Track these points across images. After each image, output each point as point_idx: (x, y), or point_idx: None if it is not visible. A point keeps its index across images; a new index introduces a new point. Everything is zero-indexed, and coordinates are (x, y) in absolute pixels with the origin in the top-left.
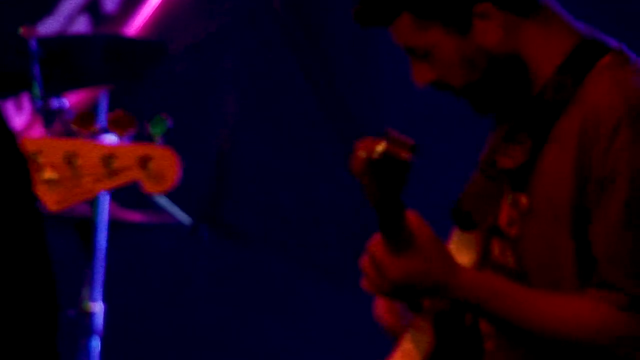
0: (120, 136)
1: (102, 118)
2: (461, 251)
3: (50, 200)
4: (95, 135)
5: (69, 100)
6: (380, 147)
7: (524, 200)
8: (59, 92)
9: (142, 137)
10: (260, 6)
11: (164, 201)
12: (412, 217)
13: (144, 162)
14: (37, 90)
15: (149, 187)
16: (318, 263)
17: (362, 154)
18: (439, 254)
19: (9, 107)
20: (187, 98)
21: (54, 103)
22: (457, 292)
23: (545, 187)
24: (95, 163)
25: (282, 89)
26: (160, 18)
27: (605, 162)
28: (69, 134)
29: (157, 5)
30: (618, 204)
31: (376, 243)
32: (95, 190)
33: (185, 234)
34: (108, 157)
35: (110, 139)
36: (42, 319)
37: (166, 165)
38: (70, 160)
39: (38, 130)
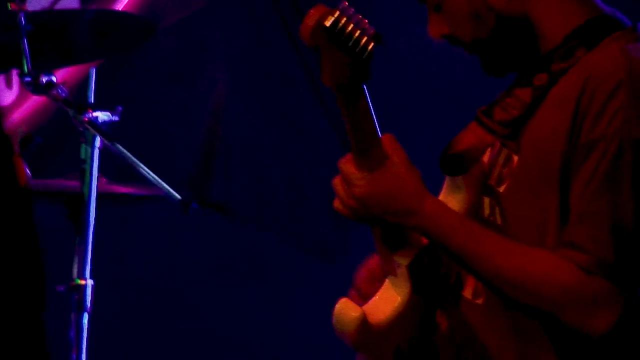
0: None
1: (91, 93)
2: (451, 197)
3: None
4: (86, 110)
5: (57, 76)
6: (331, 18)
7: (514, 157)
8: (48, 68)
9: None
10: None
11: (153, 176)
12: (387, 139)
13: None
14: (25, 66)
15: None
16: (306, 238)
17: (310, 22)
18: (410, 178)
19: None
20: (177, 74)
21: (43, 78)
22: (422, 219)
23: (536, 144)
24: None
25: (271, 64)
26: None
27: (598, 124)
28: (58, 109)
29: None
30: (600, 166)
31: (347, 159)
32: None
33: (174, 209)
34: None
35: (101, 115)
36: (29, 295)
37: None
38: None
39: (26, 106)
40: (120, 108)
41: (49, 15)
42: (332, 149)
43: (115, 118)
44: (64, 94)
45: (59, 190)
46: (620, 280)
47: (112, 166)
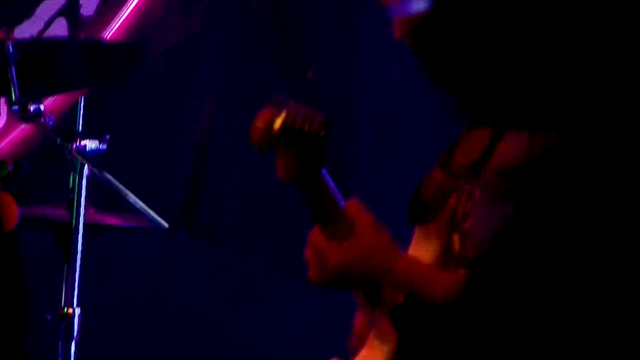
0: None
1: (79, 122)
2: (422, 247)
3: None
4: (74, 139)
5: (46, 104)
6: (280, 120)
7: (477, 192)
8: (37, 96)
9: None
10: (237, 7)
11: (140, 204)
12: (352, 206)
13: None
14: (13, 94)
15: None
16: (293, 263)
17: (260, 125)
18: (379, 240)
19: None
20: (165, 99)
21: (31, 107)
22: (396, 278)
23: (494, 173)
24: None
25: (259, 90)
26: (138, 21)
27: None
28: (46, 137)
29: (134, 9)
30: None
31: (315, 232)
32: None
33: (162, 237)
34: None
35: (89, 144)
36: (11, 323)
37: (5, 210)
38: None
39: (14, 134)
40: (108, 136)
41: (37, 44)
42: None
43: (104, 147)
44: (52, 123)
45: (48, 219)
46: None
47: (100, 195)
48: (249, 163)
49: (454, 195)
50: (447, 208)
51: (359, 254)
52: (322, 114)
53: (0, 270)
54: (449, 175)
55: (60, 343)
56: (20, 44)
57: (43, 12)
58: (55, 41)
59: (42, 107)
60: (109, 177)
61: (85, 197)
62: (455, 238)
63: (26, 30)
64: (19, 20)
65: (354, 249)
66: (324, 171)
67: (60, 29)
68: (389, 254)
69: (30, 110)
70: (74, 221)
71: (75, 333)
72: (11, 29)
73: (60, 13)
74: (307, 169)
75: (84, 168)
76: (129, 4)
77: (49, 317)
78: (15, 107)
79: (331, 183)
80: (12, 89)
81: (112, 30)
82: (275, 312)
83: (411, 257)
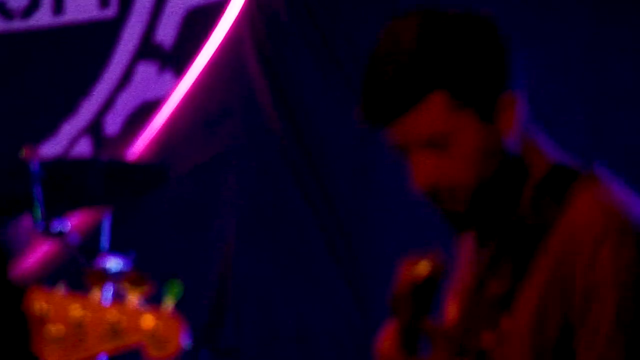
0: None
1: (105, 239)
2: None
3: (53, 357)
4: (97, 260)
5: (70, 222)
6: (425, 270)
7: (507, 322)
8: (60, 214)
9: (147, 267)
10: (259, 130)
11: None
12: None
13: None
14: (38, 212)
15: (152, 351)
16: None
17: (407, 276)
18: None
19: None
20: (189, 220)
21: (56, 225)
22: None
23: (528, 311)
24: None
25: (279, 210)
26: (162, 141)
27: (590, 276)
28: (70, 255)
29: (158, 129)
30: (605, 318)
31: (388, 342)
32: (98, 350)
33: (185, 356)
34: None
35: (113, 262)
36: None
37: (172, 333)
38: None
39: (40, 252)
40: (132, 253)
41: (61, 163)
42: (341, 298)
43: (128, 265)
44: (76, 241)
45: None
46: None
47: None
48: (269, 287)
49: (484, 329)
50: (478, 339)
51: None
52: (443, 257)
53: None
54: (479, 305)
55: None
56: (45, 163)
57: (67, 131)
58: (80, 161)
59: (66, 224)
60: (132, 295)
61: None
62: None
63: (51, 147)
64: (43, 138)
65: None
66: None
67: (84, 147)
68: None
69: (55, 228)
70: None
71: None
72: (36, 147)
73: (84, 131)
74: (425, 309)
75: (108, 286)
76: (154, 124)
77: None
78: (41, 225)
79: None
80: (38, 208)
81: (136, 150)
82: None
83: None
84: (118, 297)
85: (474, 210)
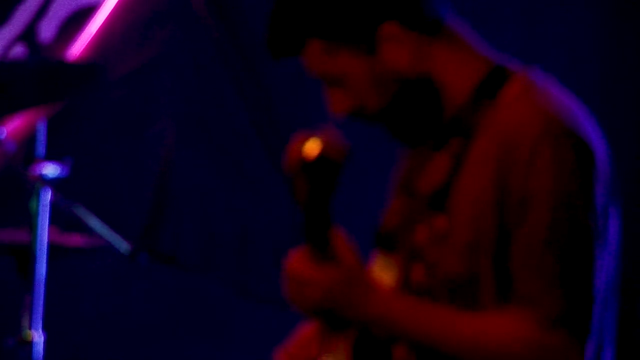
0: None
1: (41, 146)
2: (383, 273)
3: None
4: (33, 167)
5: (6, 129)
6: (316, 149)
7: (441, 223)
8: None
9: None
10: (195, 33)
11: (102, 228)
12: (338, 234)
13: None
14: None
15: None
16: (255, 287)
17: (295, 153)
18: (359, 271)
19: None
20: (126, 125)
21: None
22: (374, 309)
23: (464, 210)
24: None
25: (218, 114)
26: (97, 47)
27: (526, 183)
28: (6, 163)
29: (94, 34)
30: (540, 224)
31: (298, 254)
32: None
33: (124, 261)
34: None
35: (50, 169)
36: None
37: None
38: None
39: None
40: (69, 159)
41: None
42: (277, 196)
43: (65, 171)
44: (12, 148)
45: (8, 244)
46: (577, 330)
47: (62, 217)
48: (209, 188)
49: (417, 225)
50: (408, 237)
51: (340, 278)
52: (346, 141)
53: None
54: (410, 202)
55: None
56: None
57: (1, 38)
58: (10, 63)
59: (1, 132)
60: (71, 201)
61: (48, 220)
62: (415, 266)
63: None
64: None
65: (336, 273)
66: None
67: (19, 54)
68: (365, 285)
69: None
70: (35, 246)
71: (39, 358)
72: None
73: (18, 38)
74: (326, 194)
75: (44, 193)
76: (88, 29)
77: (10, 343)
78: None
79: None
80: None
81: (71, 55)
82: (235, 336)
83: (394, 294)
84: None
85: (391, 126)
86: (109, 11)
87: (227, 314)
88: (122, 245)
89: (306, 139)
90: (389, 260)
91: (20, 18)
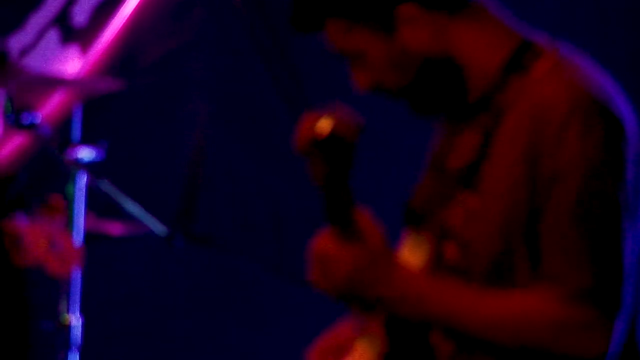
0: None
1: (77, 130)
2: (413, 252)
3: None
4: (69, 151)
5: (41, 113)
6: (327, 127)
7: (473, 201)
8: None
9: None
10: (228, 18)
11: (138, 212)
12: (363, 213)
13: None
14: (9, 106)
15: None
16: (289, 266)
17: (306, 132)
18: (383, 250)
19: None
20: (159, 108)
21: (27, 117)
22: (398, 287)
23: (495, 186)
24: None
25: (250, 95)
26: (131, 30)
27: (556, 158)
28: (42, 147)
29: (126, 19)
30: (568, 198)
31: (323, 236)
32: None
33: (160, 244)
34: None
35: (86, 153)
36: (13, 334)
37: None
38: None
39: (12, 144)
40: (104, 143)
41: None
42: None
43: (100, 154)
44: (47, 132)
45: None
46: (605, 305)
47: (98, 202)
48: (242, 169)
49: (448, 202)
50: (440, 215)
51: (366, 257)
52: (358, 118)
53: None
54: (441, 179)
55: (61, 353)
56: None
57: (35, 22)
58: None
59: (37, 116)
60: (106, 185)
61: (84, 204)
62: (447, 244)
63: (19, 40)
64: (11, 30)
65: (362, 252)
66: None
67: (52, 38)
68: (392, 265)
69: (25, 120)
70: (72, 229)
71: (77, 342)
72: (4, 39)
73: (52, 22)
74: (341, 173)
75: (80, 177)
76: (121, 14)
77: (50, 327)
78: (11, 117)
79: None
80: (8, 100)
81: (104, 40)
82: (273, 314)
83: (419, 274)
84: None
85: (413, 103)
86: None
87: (263, 294)
88: (158, 228)
89: (317, 117)
90: (420, 237)
91: (53, 2)
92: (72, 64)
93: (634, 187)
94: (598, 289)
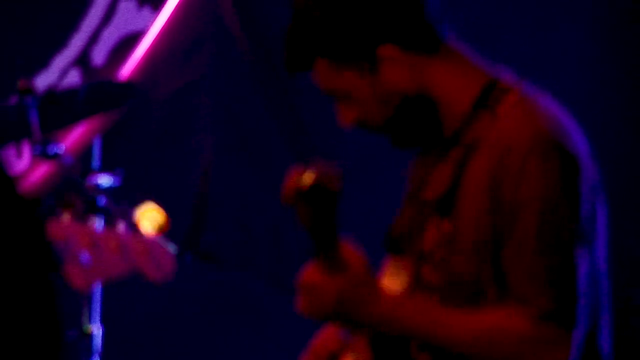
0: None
1: (96, 159)
2: (394, 276)
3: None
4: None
5: (64, 145)
6: (309, 179)
7: (447, 227)
8: (55, 139)
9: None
10: (231, 55)
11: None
12: (346, 244)
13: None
14: (36, 137)
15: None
16: (289, 281)
17: (292, 184)
18: (366, 277)
19: (10, 153)
20: (170, 139)
21: (52, 148)
22: (381, 311)
23: (466, 215)
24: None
25: (252, 126)
26: (143, 70)
27: (516, 192)
28: (65, 174)
29: (140, 58)
30: (528, 230)
31: (309, 269)
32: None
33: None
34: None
35: (104, 179)
36: (46, 343)
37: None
38: None
39: (39, 173)
40: (121, 170)
41: (51, 93)
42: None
43: (117, 180)
44: (69, 161)
45: None
46: (565, 324)
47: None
48: (245, 193)
49: (425, 229)
50: (418, 240)
51: (350, 285)
52: (338, 170)
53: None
54: (417, 209)
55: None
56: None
57: (59, 63)
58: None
59: (61, 147)
60: (123, 207)
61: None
62: (425, 268)
63: (44, 79)
64: (36, 71)
65: (346, 281)
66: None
67: (74, 77)
68: (374, 293)
69: (50, 151)
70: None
71: (99, 350)
72: (30, 78)
73: (74, 63)
74: (326, 218)
75: (100, 200)
76: (136, 55)
77: (72, 335)
78: (38, 149)
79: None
80: (35, 133)
81: (121, 78)
82: (273, 328)
83: (400, 298)
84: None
85: (393, 137)
86: (154, 37)
87: (264, 307)
88: (170, 246)
89: (301, 172)
90: (400, 263)
91: (76, 43)
92: None
93: (590, 217)
94: (559, 310)
